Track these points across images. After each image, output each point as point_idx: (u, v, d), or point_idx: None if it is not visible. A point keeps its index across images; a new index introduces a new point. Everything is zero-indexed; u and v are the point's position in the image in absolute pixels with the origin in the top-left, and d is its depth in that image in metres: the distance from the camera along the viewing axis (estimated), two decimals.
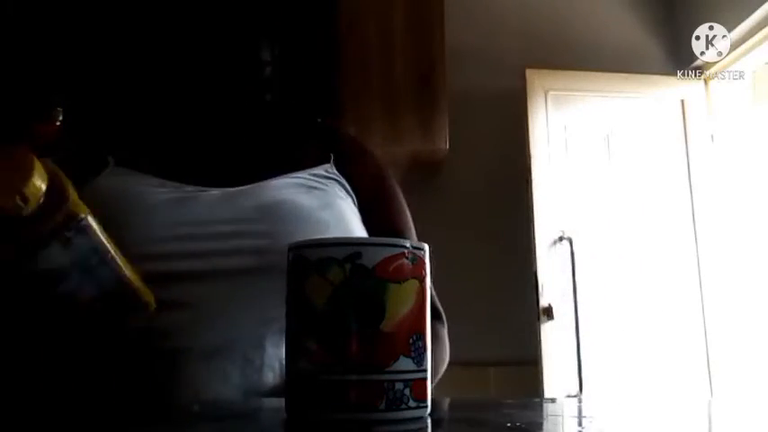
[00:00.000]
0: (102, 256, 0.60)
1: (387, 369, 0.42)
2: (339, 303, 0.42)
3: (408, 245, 0.44)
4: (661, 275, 2.66)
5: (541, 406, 0.61)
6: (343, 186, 0.86)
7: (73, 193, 0.59)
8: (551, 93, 2.78)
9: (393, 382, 0.42)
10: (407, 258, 0.43)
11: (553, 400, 0.59)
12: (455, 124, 2.48)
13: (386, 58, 2.47)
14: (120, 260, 0.61)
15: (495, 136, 2.78)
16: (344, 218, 0.81)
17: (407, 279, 0.43)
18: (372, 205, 0.87)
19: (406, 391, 0.42)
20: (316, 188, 0.83)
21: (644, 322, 2.55)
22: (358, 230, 0.82)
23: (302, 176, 0.83)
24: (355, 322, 0.42)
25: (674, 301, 2.66)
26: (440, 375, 0.85)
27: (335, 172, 0.86)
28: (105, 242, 0.60)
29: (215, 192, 0.81)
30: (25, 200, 0.53)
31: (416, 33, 2.49)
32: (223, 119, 0.87)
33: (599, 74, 2.81)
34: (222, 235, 0.75)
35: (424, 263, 0.45)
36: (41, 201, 0.55)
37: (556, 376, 2.46)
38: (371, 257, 0.42)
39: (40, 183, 0.55)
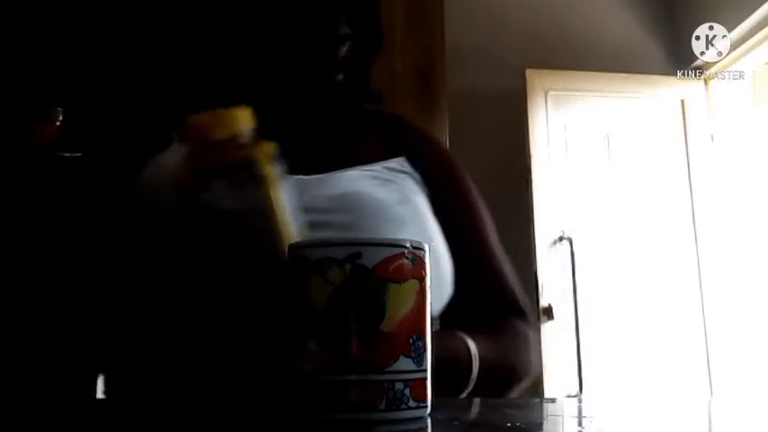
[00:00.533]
0: (269, 221, 0.57)
1: (387, 369, 0.42)
2: (339, 303, 0.42)
3: (408, 245, 0.44)
4: (661, 275, 2.66)
5: (541, 406, 0.61)
6: (416, 182, 0.82)
7: (264, 146, 0.59)
8: (551, 93, 2.78)
9: (393, 382, 0.42)
10: (407, 258, 0.43)
11: (553, 400, 0.59)
12: (455, 124, 2.48)
13: (386, 57, 2.47)
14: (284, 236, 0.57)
15: (494, 136, 2.78)
16: (421, 214, 0.78)
17: (407, 279, 0.43)
18: (446, 202, 0.82)
19: (406, 391, 0.42)
20: (391, 181, 0.79)
21: (644, 322, 2.55)
22: (433, 229, 0.78)
23: (376, 169, 0.80)
24: (355, 322, 0.42)
25: (674, 301, 2.66)
26: (528, 378, 0.79)
27: (409, 166, 0.82)
28: (278, 210, 0.58)
29: (288, 179, 0.76)
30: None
31: (416, 33, 2.49)
32: (293, 99, 0.82)
33: (599, 74, 2.81)
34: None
35: (424, 263, 0.45)
36: (234, 133, 0.57)
37: (556, 376, 2.46)
38: (371, 257, 0.42)
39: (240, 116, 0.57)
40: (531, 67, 2.75)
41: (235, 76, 0.85)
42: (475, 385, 0.70)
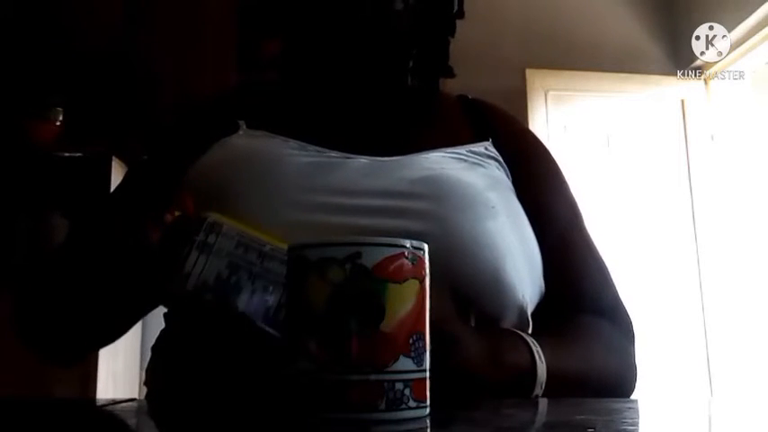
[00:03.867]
0: (258, 248, 0.56)
1: (387, 369, 0.42)
2: (339, 303, 0.42)
3: (408, 245, 0.44)
4: (661, 275, 2.66)
5: (542, 406, 0.61)
6: (502, 167, 0.76)
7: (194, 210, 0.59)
8: (551, 93, 2.78)
9: (393, 382, 0.42)
10: (407, 258, 0.43)
11: (553, 401, 0.59)
12: None
13: None
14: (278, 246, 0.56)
15: None
16: (511, 200, 0.72)
17: (407, 279, 0.43)
18: (535, 187, 0.77)
19: (406, 391, 0.42)
20: (479, 165, 0.73)
21: (644, 322, 2.55)
22: (523, 217, 0.72)
23: (461, 152, 0.74)
24: (355, 322, 0.42)
25: (674, 301, 2.66)
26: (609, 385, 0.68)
27: (495, 151, 0.76)
28: (248, 233, 0.56)
29: (363, 160, 0.70)
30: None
31: None
32: (369, 78, 0.78)
33: (599, 74, 2.81)
34: (371, 210, 0.64)
35: (424, 263, 0.45)
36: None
37: None
38: (371, 257, 0.42)
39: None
40: (531, 67, 2.76)
41: (297, 49, 0.81)
42: (554, 393, 0.61)
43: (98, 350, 1.73)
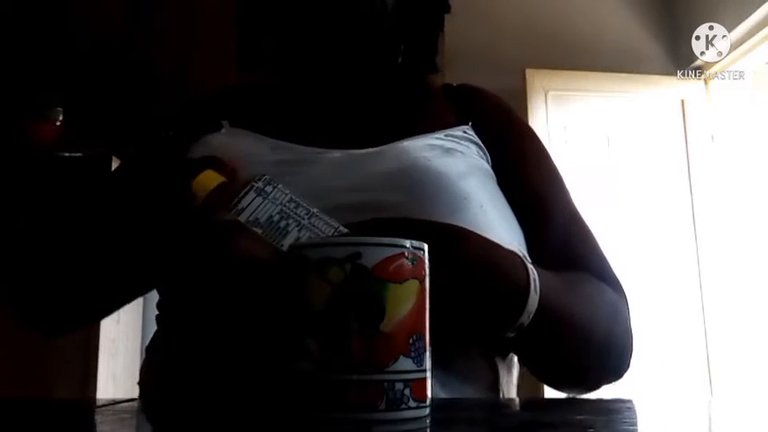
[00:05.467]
0: (307, 208, 0.57)
1: (387, 369, 0.42)
2: (339, 303, 0.42)
3: (408, 245, 0.44)
4: (661, 275, 2.66)
5: (541, 406, 0.61)
6: (481, 150, 0.75)
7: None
8: (551, 93, 2.78)
9: (393, 382, 0.42)
10: (407, 258, 0.43)
11: (553, 401, 0.59)
12: None
13: None
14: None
15: None
16: (488, 186, 0.70)
17: (407, 279, 0.43)
18: (516, 162, 0.76)
19: (406, 391, 0.42)
20: (455, 150, 0.72)
21: (644, 322, 2.55)
22: (501, 202, 0.71)
23: (439, 137, 0.73)
24: (355, 322, 0.42)
25: (674, 301, 2.66)
26: (620, 358, 0.69)
27: (474, 134, 0.75)
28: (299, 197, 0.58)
29: (337, 154, 0.70)
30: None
31: None
32: (346, 69, 0.77)
33: (599, 74, 2.81)
34: (341, 208, 0.62)
35: (424, 263, 0.45)
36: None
37: None
38: (371, 257, 0.42)
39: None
40: (531, 67, 2.75)
41: (285, 46, 0.80)
42: (539, 336, 0.59)
43: (97, 321, 1.64)
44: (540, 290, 0.58)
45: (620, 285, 0.75)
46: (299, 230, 0.56)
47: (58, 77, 2.38)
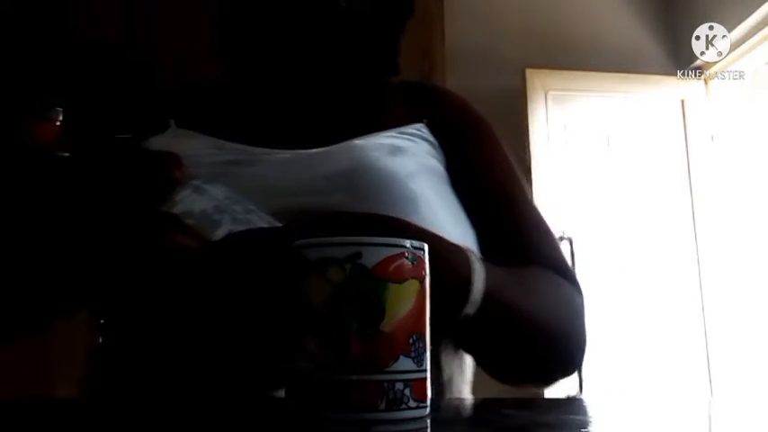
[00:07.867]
0: (246, 205, 0.58)
1: (387, 369, 0.42)
2: (339, 303, 0.42)
3: (408, 244, 0.44)
4: (661, 275, 2.66)
5: (541, 406, 0.61)
6: (435, 149, 0.74)
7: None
8: (551, 93, 2.78)
9: (393, 382, 0.42)
10: (407, 258, 0.43)
11: (553, 401, 0.59)
12: None
13: None
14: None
15: None
16: (439, 186, 0.70)
17: (407, 279, 0.43)
18: (472, 157, 0.75)
19: (406, 391, 0.42)
20: (405, 150, 0.70)
21: (644, 322, 2.55)
22: (452, 201, 0.70)
23: (390, 135, 0.72)
24: (355, 322, 0.42)
25: (674, 301, 2.66)
26: (574, 351, 0.69)
27: (427, 131, 0.74)
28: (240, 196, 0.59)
29: (286, 154, 0.69)
30: None
31: (416, 33, 2.49)
32: (299, 68, 0.75)
33: (599, 74, 2.81)
34: (286, 211, 0.61)
35: (424, 263, 0.45)
36: None
37: None
38: (371, 257, 0.42)
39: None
40: (531, 67, 2.75)
41: (234, 42, 0.79)
42: (487, 329, 0.59)
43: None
44: (487, 282, 0.57)
45: (576, 279, 0.74)
46: (233, 224, 0.57)
47: (58, 77, 2.38)
